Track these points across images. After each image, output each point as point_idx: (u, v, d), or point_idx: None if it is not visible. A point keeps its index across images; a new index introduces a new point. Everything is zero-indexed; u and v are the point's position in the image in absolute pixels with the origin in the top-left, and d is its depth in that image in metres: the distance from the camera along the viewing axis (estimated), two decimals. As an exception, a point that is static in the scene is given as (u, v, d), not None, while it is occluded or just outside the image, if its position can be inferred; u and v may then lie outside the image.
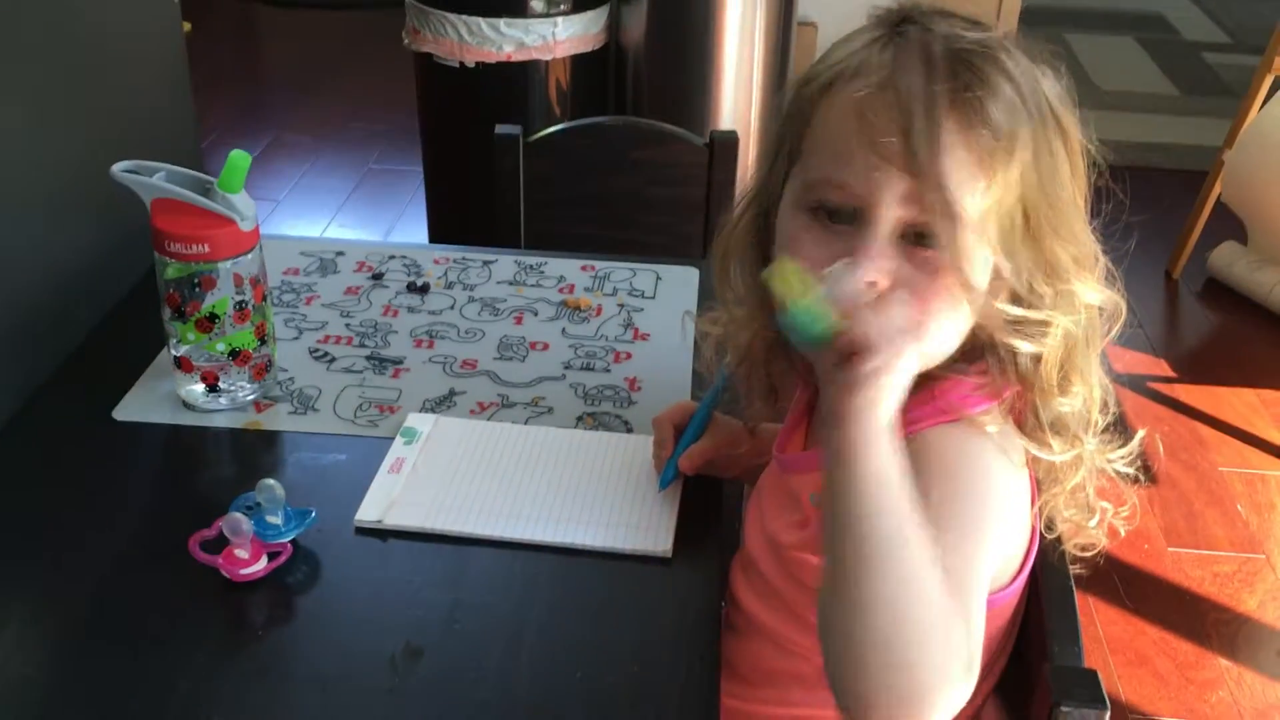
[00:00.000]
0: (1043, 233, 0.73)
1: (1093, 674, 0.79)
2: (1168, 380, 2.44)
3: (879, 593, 0.63)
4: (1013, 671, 0.91)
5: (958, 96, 0.70)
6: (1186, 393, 2.40)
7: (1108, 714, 0.78)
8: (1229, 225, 2.75)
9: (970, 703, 0.91)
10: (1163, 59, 4.13)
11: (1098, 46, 4.21)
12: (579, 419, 1.08)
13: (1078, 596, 0.85)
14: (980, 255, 0.72)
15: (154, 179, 1.00)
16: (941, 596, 0.63)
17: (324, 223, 2.99)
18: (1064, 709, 0.77)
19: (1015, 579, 0.83)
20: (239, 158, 1.00)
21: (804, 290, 0.70)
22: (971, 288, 0.72)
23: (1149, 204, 2.89)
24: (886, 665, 0.62)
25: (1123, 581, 1.92)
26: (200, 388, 1.05)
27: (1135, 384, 2.39)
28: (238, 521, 0.87)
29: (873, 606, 0.63)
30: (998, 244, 0.72)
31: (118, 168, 1.01)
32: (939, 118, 0.69)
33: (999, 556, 0.78)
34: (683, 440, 0.97)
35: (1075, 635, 0.83)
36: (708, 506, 0.96)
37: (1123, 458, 0.81)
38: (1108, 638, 1.81)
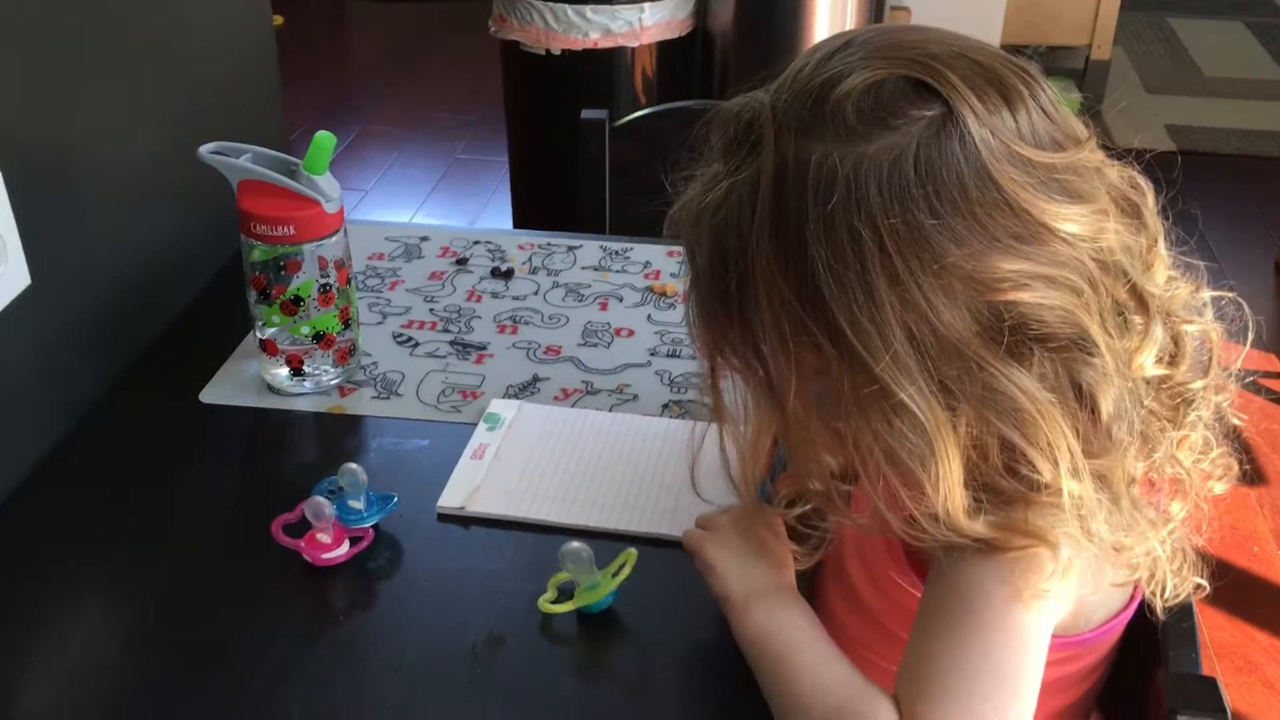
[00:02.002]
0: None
1: (1212, 682, 0.74)
2: (1279, 376, 2.34)
3: (785, 704, 0.73)
4: (1119, 678, 0.86)
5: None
6: (1299, 389, 2.30)
7: (1228, 723, 0.73)
8: (1344, 215, 2.63)
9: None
10: (1272, 43, 3.97)
11: (1204, 31, 4.06)
12: (664, 407, 1.05)
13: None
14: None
15: (240, 160, 1.00)
16: (848, 687, 0.70)
17: (410, 213, 3.01)
18: (1181, 718, 0.72)
19: (1114, 618, 0.78)
20: (324, 139, 0.99)
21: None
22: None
23: (1257, 193, 2.81)
24: None
25: (1231, 586, 1.83)
26: (285, 371, 1.05)
27: (1244, 380, 2.29)
28: (320, 505, 0.86)
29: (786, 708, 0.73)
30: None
31: (205, 149, 1.00)
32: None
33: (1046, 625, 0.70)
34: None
35: (1193, 640, 0.78)
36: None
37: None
38: (1214, 644, 1.73)
